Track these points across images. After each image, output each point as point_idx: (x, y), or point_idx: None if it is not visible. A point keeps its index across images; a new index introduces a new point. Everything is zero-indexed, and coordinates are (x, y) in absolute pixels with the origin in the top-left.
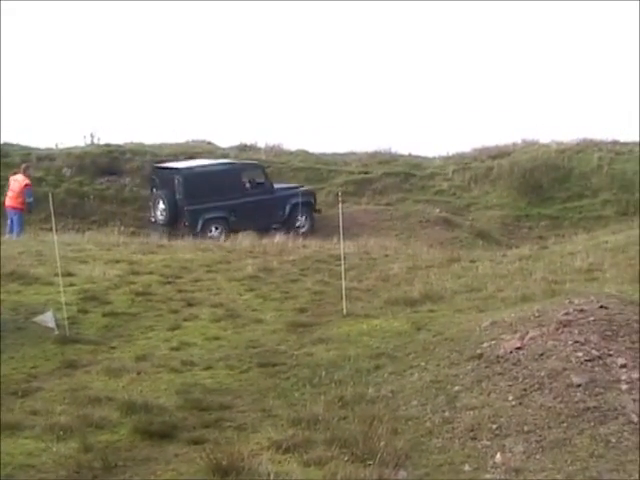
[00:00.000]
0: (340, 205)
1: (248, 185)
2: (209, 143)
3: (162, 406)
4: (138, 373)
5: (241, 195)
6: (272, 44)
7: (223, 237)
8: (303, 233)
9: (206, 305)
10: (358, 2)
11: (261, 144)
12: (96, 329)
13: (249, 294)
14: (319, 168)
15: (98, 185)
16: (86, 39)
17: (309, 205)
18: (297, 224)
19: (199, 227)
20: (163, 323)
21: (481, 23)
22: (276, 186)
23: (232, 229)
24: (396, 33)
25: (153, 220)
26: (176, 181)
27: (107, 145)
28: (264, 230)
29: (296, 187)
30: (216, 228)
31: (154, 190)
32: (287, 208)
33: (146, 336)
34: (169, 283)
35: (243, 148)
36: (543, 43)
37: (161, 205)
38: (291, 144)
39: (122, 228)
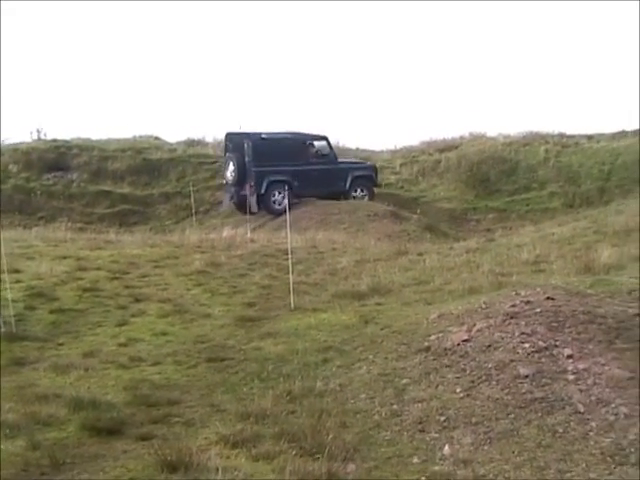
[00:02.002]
0: (287, 199)
1: (313, 154)
2: (156, 138)
3: (110, 402)
4: (86, 369)
5: (305, 163)
6: (215, 39)
7: (286, 202)
8: None
9: (154, 301)
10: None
11: (209, 139)
12: (43, 326)
13: (197, 289)
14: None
15: (45, 181)
16: (29, 35)
17: (370, 179)
18: (354, 196)
19: (263, 188)
20: (111, 319)
21: (429, 17)
22: (341, 159)
23: (295, 194)
24: (345, 26)
25: (224, 182)
26: (245, 145)
27: (54, 141)
28: (326, 198)
29: (360, 162)
30: (279, 192)
31: (227, 154)
32: (349, 180)
33: (94, 332)
34: (117, 279)
35: (190, 143)
36: (489, 38)
37: (231, 166)
38: None
39: (70, 224)
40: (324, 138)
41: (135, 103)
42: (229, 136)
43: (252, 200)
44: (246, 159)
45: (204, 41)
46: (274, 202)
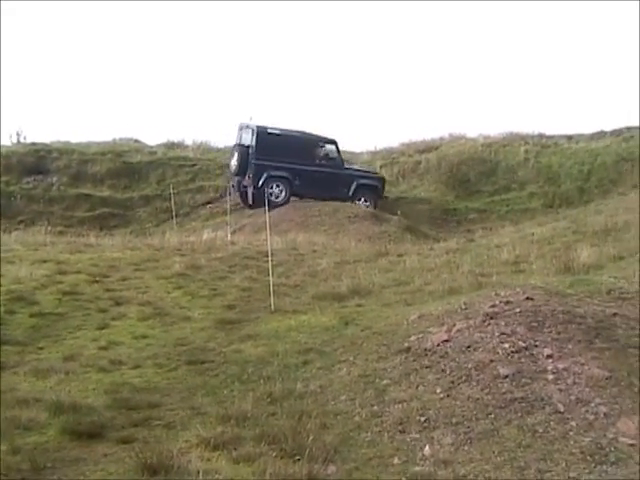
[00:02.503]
0: (266, 201)
1: (319, 156)
2: (136, 141)
3: (90, 406)
4: (66, 373)
5: (309, 163)
6: (192, 42)
7: (285, 197)
8: None
9: (134, 304)
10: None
11: (188, 141)
12: (23, 330)
13: (177, 292)
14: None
15: (25, 185)
16: (6, 39)
17: (375, 189)
18: (359, 205)
19: (261, 181)
20: (91, 322)
21: (408, 18)
22: (348, 165)
23: (295, 193)
24: (324, 27)
25: (228, 171)
26: (250, 137)
27: (33, 144)
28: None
29: (368, 171)
30: (277, 186)
31: (234, 144)
32: (352, 187)
33: (74, 336)
34: (97, 282)
35: (170, 146)
36: (467, 39)
37: (235, 156)
38: (219, 141)
39: (50, 228)
40: (333, 142)
41: (115, 106)
42: (242, 128)
43: (249, 192)
44: (250, 151)
45: (183, 43)
46: (271, 194)
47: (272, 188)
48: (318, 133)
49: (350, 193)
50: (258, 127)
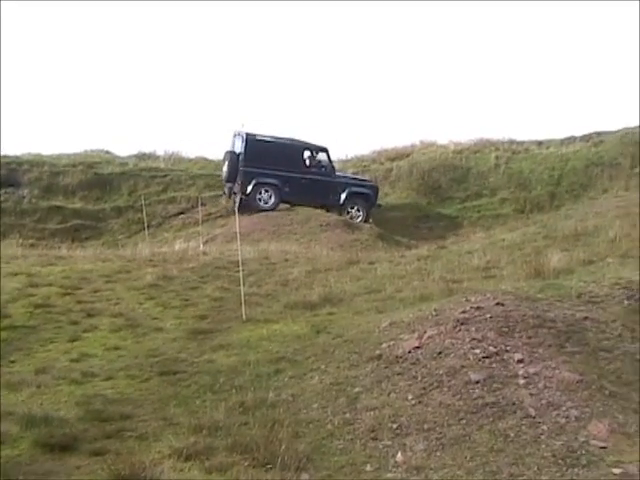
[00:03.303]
0: (236, 211)
1: (309, 164)
2: (107, 152)
3: (63, 418)
4: (38, 386)
5: (299, 170)
6: (162, 53)
7: (274, 204)
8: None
9: (106, 315)
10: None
11: (160, 152)
12: None
13: (149, 303)
14: (219, 174)
15: None
16: None
17: (367, 198)
18: (350, 213)
19: (250, 187)
20: (63, 335)
21: (377, 25)
22: (341, 173)
23: (285, 199)
24: (296, 33)
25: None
26: (242, 143)
27: (4, 157)
28: (318, 208)
29: (361, 180)
30: (266, 192)
31: (226, 151)
32: (344, 195)
33: (46, 349)
34: (69, 294)
35: (142, 156)
36: (436, 47)
37: (226, 163)
38: (190, 152)
39: (21, 240)
40: (324, 149)
41: (85, 117)
42: (235, 133)
43: (238, 199)
44: (239, 158)
45: (153, 54)
46: (260, 200)
47: (261, 194)
48: (309, 140)
49: (341, 201)
50: (247, 134)
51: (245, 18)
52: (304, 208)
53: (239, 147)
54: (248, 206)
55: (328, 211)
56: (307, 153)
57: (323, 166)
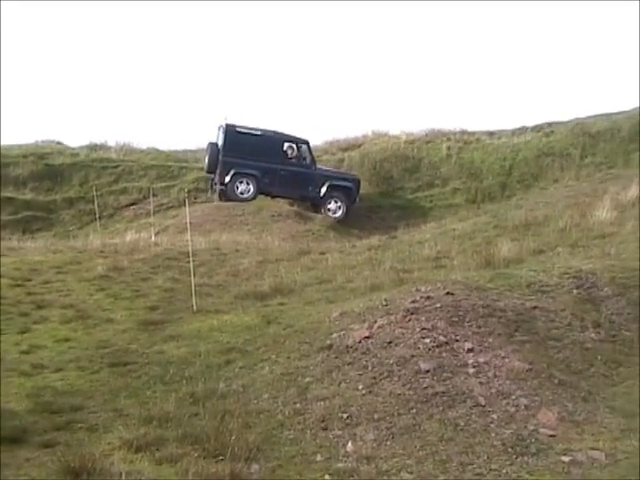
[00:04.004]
0: (187, 202)
1: (289, 156)
2: (59, 143)
3: (12, 410)
4: None
5: (279, 162)
6: (115, 43)
7: (252, 194)
8: (335, 219)
9: (56, 307)
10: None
11: (111, 143)
12: None
13: (99, 294)
14: (170, 165)
15: None
16: None
17: (348, 191)
18: (329, 207)
19: (228, 177)
20: (12, 327)
21: (331, 16)
22: (322, 166)
23: (264, 191)
24: (249, 29)
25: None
26: (221, 134)
27: None
28: (298, 201)
29: (342, 173)
30: (247, 183)
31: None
32: (323, 188)
33: None
34: (19, 286)
35: (93, 147)
36: (388, 38)
37: (207, 155)
38: (142, 142)
39: None
40: (305, 142)
41: (36, 108)
42: (219, 126)
43: (217, 188)
44: (220, 148)
45: (103, 43)
46: (238, 191)
47: (240, 184)
48: (291, 133)
49: (321, 194)
50: (227, 125)
51: (202, 6)
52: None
53: (221, 139)
54: (226, 196)
55: (314, 206)
56: (287, 145)
57: (304, 158)
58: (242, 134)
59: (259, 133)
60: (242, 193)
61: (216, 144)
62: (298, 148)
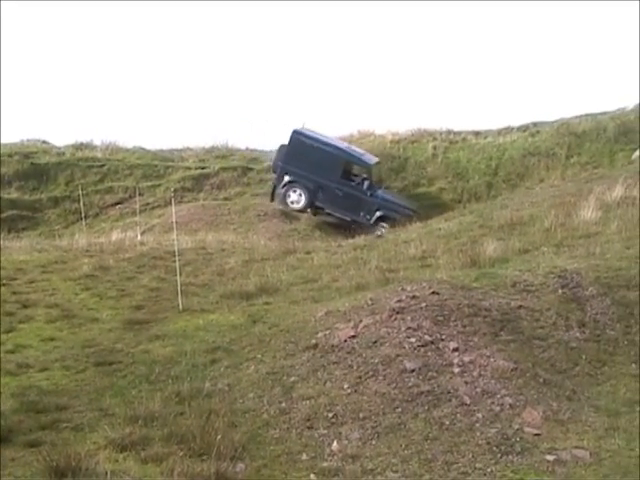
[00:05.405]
0: (173, 201)
1: (348, 175)
2: (44, 142)
3: None
4: None
5: (335, 180)
6: (101, 43)
7: (303, 205)
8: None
9: (41, 306)
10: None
11: (97, 142)
12: None
13: (85, 293)
14: (156, 165)
15: None
16: None
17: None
18: (377, 232)
19: (283, 184)
20: None
21: (315, 15)
22: (381, 192)
23: (316, 205)
24: (233, 28)
25: None
26: (288, 141)
27: None
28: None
29: (400, 203)
30: (300, 194)
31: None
32: (374, 215)
33: None
34: (4, 285)
35: (79, 146)
36: (376, 37)
37: (275, 155)
38: (127, 141)
39: None
40: (367, 164)
41: (22, 107)
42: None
43: (274, 192)
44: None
45: (89, 41)
46: (289, 199)
47: (293, 193)
48: (364, 151)
49: (371, 221)
50: (294, 131)
51: (187, 6)
52: (242, 197)
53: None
54: (278, 202)
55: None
56: (349, 164)
57: (365, 179)
58: (306, 143)
59: (322, 146)
60: (293, 202)
61: (283, 146)
62: (360, 168)
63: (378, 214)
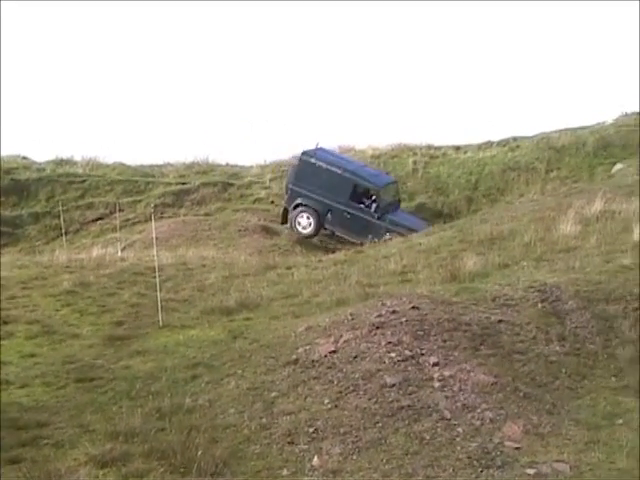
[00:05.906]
0: (153, 217)
1: (359, 197)
2: (24, 158)
3: None
4: None
5: (344, 203)
6: (84, 59)
7: (312, 230)
8: None
9: (22, 322)
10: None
11: (77, 158)
12: None
13: (66, 309)
14: (137, 180)
15: None
16: None
17: None
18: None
19: (292, 206)
20: None
21: (296, 27)
22: (393, 215)
23: (326, 227)
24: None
25: None
26: (298, 162)
27: None
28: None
29: (409, 227)
30: (308, 217)
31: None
32: (383, 239)
33: None
34: None
35: (59, 162)
36: (355, 51)
37: (287, 174)
38: (108, 157)
39: None
40: (376, 187)
41: (2, 122)
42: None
43: (285, 214)
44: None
45: (69, 56)
46: (300, 226)
47: (301, 219)
48: (378, 171)
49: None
50: (303, 152)
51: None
52: (222, 212)
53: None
54: (290, 226)
55: None
56: (360, 187)
57: (374, 201)
58: (315, 165)
59: (330, 167)
60: (304, 228)
61: (292, 168)
62: (367, 192)
63: (387, 237)
